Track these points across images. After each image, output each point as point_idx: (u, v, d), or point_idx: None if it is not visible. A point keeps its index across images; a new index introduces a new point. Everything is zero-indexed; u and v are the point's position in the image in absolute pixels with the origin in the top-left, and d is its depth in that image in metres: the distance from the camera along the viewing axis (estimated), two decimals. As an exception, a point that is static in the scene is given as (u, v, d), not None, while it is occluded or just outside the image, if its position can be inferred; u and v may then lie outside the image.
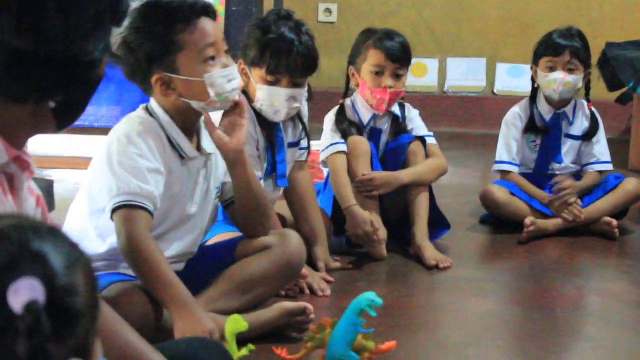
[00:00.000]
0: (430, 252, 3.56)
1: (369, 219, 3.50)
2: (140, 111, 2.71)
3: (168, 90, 2.63)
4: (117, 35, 2.64)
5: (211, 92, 2.61)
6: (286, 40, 3.16)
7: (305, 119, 3.47)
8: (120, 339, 1.65)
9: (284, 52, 3.15)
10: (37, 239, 1.01)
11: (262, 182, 3.18)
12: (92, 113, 4.66)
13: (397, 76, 3.69)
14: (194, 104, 2.64)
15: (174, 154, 2.69)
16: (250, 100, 3.20)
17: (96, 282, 1.06)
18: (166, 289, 2.47)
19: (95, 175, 2.65)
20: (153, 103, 2.69)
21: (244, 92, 3.17)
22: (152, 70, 2.61)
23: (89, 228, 2.66)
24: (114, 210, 2.53)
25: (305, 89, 3.26)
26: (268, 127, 3.27)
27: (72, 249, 1.04)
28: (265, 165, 3.30)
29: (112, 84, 4.66)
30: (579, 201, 4.03)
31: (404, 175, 3.68)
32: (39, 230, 1.02)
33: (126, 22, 2.65)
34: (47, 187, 2.50)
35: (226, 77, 2.63)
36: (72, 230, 2.68)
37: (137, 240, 2.49)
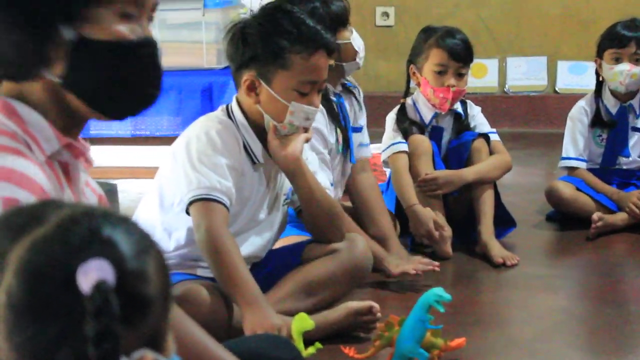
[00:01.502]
0: (497, 250, 3.52)
1: (432, 218, 3.49)
2: (219, 112, 2.74)
3: (251, 92, 2.66)
4: (242, 15, 2.64)
5: (287, 119, 2.64)
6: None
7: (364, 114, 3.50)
8: (187, 337, 1.65)
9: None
10: (108, 225, 1.00)
11: (336, 161, 3.24)
12: (152, 123, 4.70)
13: (459, 75, 3.67)
14: (267, 118, 2.66)
15: (247, 158, 2.71)
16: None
17: (168, 274, 1.05)
18: (238, 285, 2.48)
19: (169, 172, 2.68)
20: (234, 104, 2.72)
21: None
22: (249, 67, 2.64)
23: (157, 223, 2.69)
24: (191, 203, 2.55)
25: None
26: (335, 112, 3.29)
27: (143, 238, 1.04)
28: (339, 145, 3.32)
29: (172, 94, 4.69)
30: None
31: (468, 173, 3.65)
32: (110, 217, 1.02)
33: (255, 10, 2.68)
34: (111, 191, 2.52)
35: (307, 114, 2.66)
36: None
37: (216, 233, 2.51)
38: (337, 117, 3.31)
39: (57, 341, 0.95)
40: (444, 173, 3.62)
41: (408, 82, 3.84)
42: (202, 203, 2.54)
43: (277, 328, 2.40)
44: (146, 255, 1.01)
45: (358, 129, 3.47)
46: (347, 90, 3.46)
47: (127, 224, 1.03)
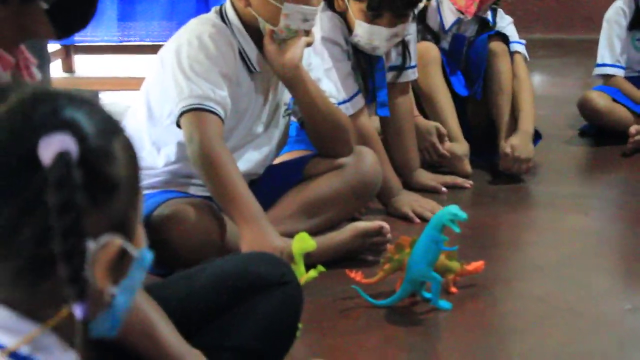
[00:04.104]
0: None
1: (434, 128, 3.50)
2: (212, 14, 2.73)
3: None
4: None
5: (282, 22, 2.62)
6: None
7: (413, 39, 3.42)
8: (147, 328, 1.65)
9: None
10: (72, 105, 1.05)
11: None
12: (142, 28, 4.68)
13: None
14: (261, 21, 2.64)
15: (243, 65, 2.70)
16: (348, 26, 3.17)
17: (137, 161, 1.10)
18: (236, 201, 2.50)
19: (157, 81, 2.68)
20: (228, 6, 2.71)
21: (341, 14, 3.17)
22: None
23: (145, 137, 2.71)
24: (182, 114, 2.56)
25: (410, 20, 3.19)
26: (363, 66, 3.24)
27: (109, 120, 1.08)
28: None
29: (164, -5, 4.68)
30: None
31: (527, 125, 3.61)
32: (75, 97, 1.07)
33: None
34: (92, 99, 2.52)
35: (304, 15, 2.63)
36: None
37: (210, 145, 2.51)
38: (364, 69, 3.27)
39: (19, 217, 1.01)
40: (517, 145, 3.53)
41: None
42: (194, 113, 2.54)
43: (279, 250, 2.42)
44: (112, 136, 1.07)
45: (397, 67, 3.40)
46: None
47: (92, 105, 1.08)
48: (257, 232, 2.46)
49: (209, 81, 2.57)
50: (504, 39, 3.73)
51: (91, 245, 1.03)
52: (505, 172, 3.52)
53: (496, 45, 3.70)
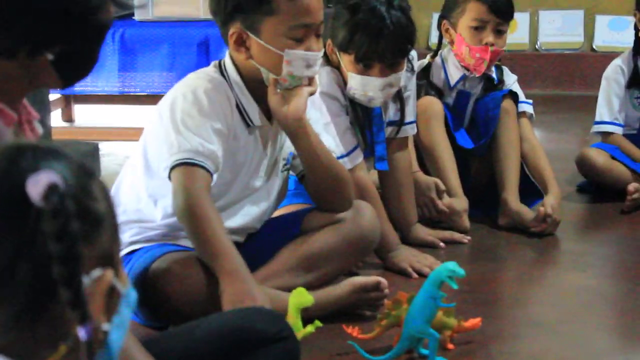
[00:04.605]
0: (531, 215, 3.54)
1: (433, 184, 3.50)
2: (211, 68, 2.74)
3: (241, 48, 2.65)
4: None
5: (285, 70, 2.62)
6: (376, 21, 3.08)
7: (413, 94, 3.43)
8: None
9: (374, 36, 3.07)
10: (52, 154, 1.12)
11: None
12: (142, 79, 4.71)
13: (498, 32, 3.64)
14: (264, 71, 2.65)
15: (241, 119, 2.71)
16: (343, 78, 3.18)
17: (112, 201, 1.15)
18: (217, 253, 2.49)
19: (153, 133, 2.69)
20: (227, 60, 2.72)
21: (337, 68, 3.18)
22: (234, 20, 2.64)
23: (142, 189, 2.71)
24: (172, 168, 2.56)
25: (404, 69, 3.19)
26: (364, 105, 3.24)
27: (83, 165, 1.15)
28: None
29: (165, 46, 4.70)
30: None
31: (557, 187, 3.65)
32: (53, 148, 1.13)
33: None
34: (91, 152, 2.53)
35: (307, 61, 2.63)
36: (124, 192, 2.74)
37: (194, 198, 2.51)
38: (362, 123, 3.27)
39: (16, 255, 1.05)
40: (552, 205, 3.54)
41: (440, 40, 3.80)
42: (182, 168, 2.54)
43: (260, 303, 2.40)
44: (89, 177, 1.13)
45: (393, 122, 3.39)
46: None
47: (67, 154, 1.14)
48: (238, 286, 2.45)
49: (200, 135, 2.57)
50: (514, 98, 3.74)
51: (85, 279, 1.07)
52: (537, 231, 3.51)
53: (506, 104, 3.70)
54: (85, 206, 1.09)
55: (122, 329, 1.13)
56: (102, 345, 1.10)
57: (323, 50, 2.71)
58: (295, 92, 2.66)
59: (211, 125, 2.60)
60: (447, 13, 3.74)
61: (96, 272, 1.09)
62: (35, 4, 1.47)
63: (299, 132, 2.70)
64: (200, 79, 2.69)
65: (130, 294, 1.14)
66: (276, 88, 2.66)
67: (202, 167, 2.55)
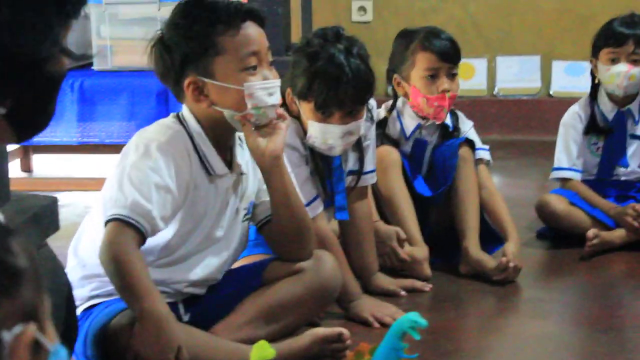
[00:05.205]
0: (492, 263, 3.54)
1: (394, 233, 3.50)
2: (170, 119, 2.74)
3: (200, 97, 2.65)
4: (155, 31, 2.68)
5: (249, 104, 2.63)
6: (334, 68, 3.07)
7: (372, 143, 3.44)
8: None
9: (333, 83, 3.07)
10: None
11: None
12: (101, 129, 4.69)
13: (451, 76, 3.68)
14: (227, 113, 2.65)
15: (202, 169, 2.70)
16: (304, 129, 3.19)
17: (36, 260, 1.13)
18: (139, 298, 2.46)
19: (109, 183, 2.68)
20: (185, 111, 2.72)
21: (297, 118, 3.19)
22: (185, 73, 2.65)
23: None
24: (107, 222, 2.55)
25: (364, 117, 3.19)
26: (324, 155, 3.24)
27: (2, 224, 1.14)
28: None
29: (124, 97, 4.69)
30: None
31: (516, 234, 3.67)
32: None
33: (166, 19, 2.70)
34: (49, 205, 2.51)
35: (267, 90, 2.65)
36: (84, 247, 2.72)
37: (118, 248, 2.50)
38: (322, 173, 3.27)
39: None
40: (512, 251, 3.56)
41: (395, 95, 3.80)
42: (113, 223, 2.53)
43: (176, 347, 2.39)
44: (7, 234, 1.11)
45: (353, 171, 3.39)
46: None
47: None
48: (154, 325, 2.43)
49: (140, 192, 2.56)
50: (471, 145, 3.76)
51: (6, 335, 1.05)
52: (499, 279, 3.51)
53: (464, 152, 3.72)
54: (1, 261, 1.08)
55: None
56: None
57: (280, 81, 2.71)
58: (273, 129, 2.68)
59: (155, 182, 2.58)
60: (397, 67, 3.75)
61: (17, 328, 1.07)
62: None
63: (275, 170, 2.72)
64: (157, 132, 2.69)
65: (58, 351, 1.12)
66: (251, 126, 2.66)
67: (134, 226, 2.53)
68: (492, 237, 3.75)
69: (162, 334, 2.42)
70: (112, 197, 2.57)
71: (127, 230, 2.53)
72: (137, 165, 2.59)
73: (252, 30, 2.67)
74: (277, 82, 2.69)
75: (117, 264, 2.49)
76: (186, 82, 2.65)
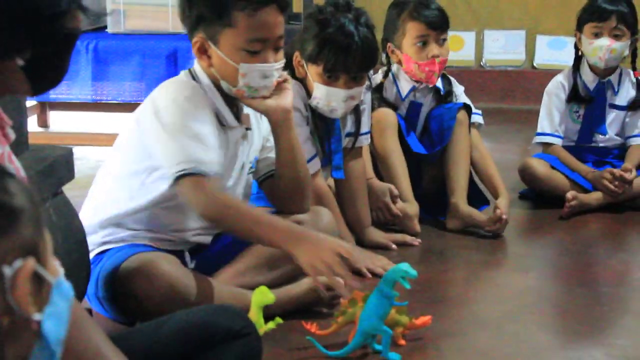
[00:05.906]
0: (484, 217, 3.55)
1: (388, 189, 3.49)
2: (183, 76, 2.69)
3: (203, 56, 2.62)
4: None
5: (241, 82, 2.59)
6: (344, 36, 3.08)
7: (367, 107, 3.43)
8: (83, 343, 1.60)
9: (342, 50, 3.08)
10: None
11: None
12: (114, 88, 4.66)
13: (441, 42, 3.66)
14: (223, 83, 2.62)
15: (216, 120, 2.67)
16: (307, 91, 3.17)
17: (35, 198, 1.11)
18: (272, 224, 2.50)
19: (132, 138, 2.65)
20: (196, 67, 2.68)
21: (301, 81, 3.16)
22: (197, 29, 2.60)
23: (120, 191, 2.66)
24: (178, 179, 2.51)
25: (366, 83, 3.21)
26: (324, 116, 3.23)
27: None
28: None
29: (136, 57, 4.66)
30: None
31: (504, 192, 3.66)
32: None
33: None
34: (65, 155, 2.48)
35: (263, 72, 2.59)
36: (96, 197, 2.70)
37: (217, 197, 2.51)
38: (321, 134, 3.26)
39: None
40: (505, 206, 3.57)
41: (388, 62, 3.78)
42: (191, 180, 2.50)
43: (337, 251, 2.41)
44: (3, 176, 1.08)
45: (350, 133, 3.39)
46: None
47: None
48: (310, 244, 2.45)
49: (198, 143, 2.53)
50: (468, 110, 3.74)
51: (6, 270, 1.03)
52: (489, 231, 3.53)
53: (460, 115, 3.70)
54: None
55: (58, 319, 1.08)
56: (38, 337, 1.06)
57: (284, 61, 2.67)
58: (279, 88, 2.65)
59: (207, 131, 2.56)
60: (389, 36, 3.73)
61: (18, 262, 1.05)
62: (3, 6, 1.40)
63: (285, 124, 2.69)
64: (177, 88, 2.64)
65: (61, 284, 1.10)
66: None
67: (203, 174, 2.51)
68: (477, 198, 3.74)
69: (319, 246, 2.44)
70: (171, 153, 2.52)
71: (202, 180, 2.50)
72: (181, 120, 2.54)
73: (270, 17, 2.57)
74: (275, 65, 2.61)
75: (230, 209, 2.51)
76: (195, 38, 2.61)
